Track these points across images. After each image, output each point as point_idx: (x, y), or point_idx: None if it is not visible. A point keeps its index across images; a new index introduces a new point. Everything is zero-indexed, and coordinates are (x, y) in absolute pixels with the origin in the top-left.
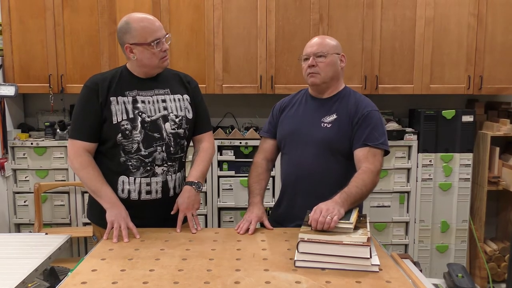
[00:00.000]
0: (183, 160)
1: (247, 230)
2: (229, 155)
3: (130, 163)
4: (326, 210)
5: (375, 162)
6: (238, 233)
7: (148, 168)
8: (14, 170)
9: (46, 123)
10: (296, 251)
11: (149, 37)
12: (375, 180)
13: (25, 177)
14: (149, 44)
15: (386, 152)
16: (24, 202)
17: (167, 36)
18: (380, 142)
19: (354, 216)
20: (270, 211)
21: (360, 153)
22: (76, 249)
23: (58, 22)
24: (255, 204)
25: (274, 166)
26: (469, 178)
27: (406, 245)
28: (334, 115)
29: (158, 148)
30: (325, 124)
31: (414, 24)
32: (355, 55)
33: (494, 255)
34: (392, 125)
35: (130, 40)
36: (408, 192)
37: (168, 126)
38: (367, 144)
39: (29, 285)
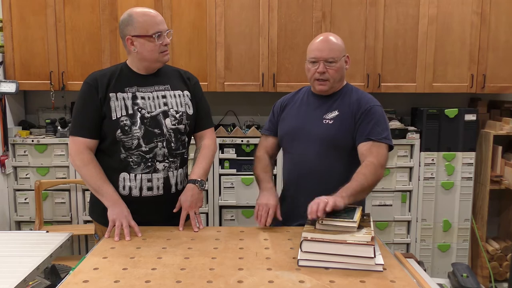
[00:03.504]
0: (185, 156)
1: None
2: (230, 153)
3: (130, 160)
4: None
5: (378, 156)
6: (259, 224)
7: (149, 164)
8: (15, 168)
9: (47, 120)
10: (300, 250)
11: (150, 29)
12: (377, 173)
13: (26, 175)
14: (150, 36)
15: (390, 148)
16: (25, 199)
17: (168, 31)
18: (383, 137)
19: (357, 215)
20: None
21: (363, 148)
22: (77, 247)
23: (59, 18)
24: (269, 189)
25: (276, 164)
26: (471, 177)
27: (408, 244)
28: (336, 111)
29: (159, 144)
30: (327, 121)
31: (417, 22)
32: (358, 53)
33: (496, 254)
34: (395, 124)
35: (132, 32)
36: (410, 191)
37: (168, 122)
38: (370, 138)
39: (30, 283)
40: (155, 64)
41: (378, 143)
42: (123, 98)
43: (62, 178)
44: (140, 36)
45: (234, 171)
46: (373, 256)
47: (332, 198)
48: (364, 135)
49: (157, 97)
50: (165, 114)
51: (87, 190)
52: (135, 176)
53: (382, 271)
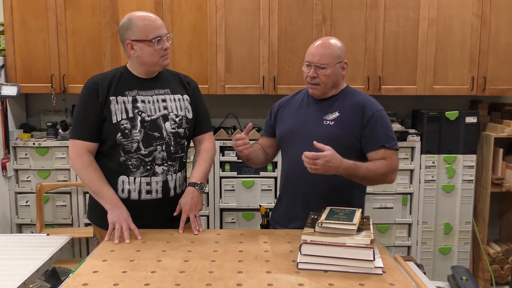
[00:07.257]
0: (183, 160)
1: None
2: (231, 156)
3: (130, 163)
4: (325, 161)
5: (392, 162)
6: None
7: (148, 167)
8: (16, 170)
9: (48, 123)
10: (299, 253)
11: (150, 34)
12: (389, 175)
13: (27, 177)
14: (150, 41)
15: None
16: (26, 202)
17: (168, 35)
18: (394, 143)
19: (357, 218)
20: (270, 212)
21: (376, 155)
22: (77, 249)
23: (60, 22)
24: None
25: (276, 166)
26: (472, 180)
27: (409, 247)
28: (337, 112)
29: (158, 147)
30: (328, 122)
31: (417, 24)
32: (358, 55)
33: (498, 257)
34: (395, 126)
35: (132, 37)
36: (411, 194)
37: (168, 126)
38: (384, 145)
39: (30, 286)
40: (155, 68)
41: (390, 150)
42: (124, 102)
43: (63, 181)
44: (139, 41)
45: (234, 173)
46: (372, 259)
47: (334, 168)
48: (376, 142)
49: (157, 100)
50: (165, 117)
51: (88, 193)
52: (134, 179)
53: (381, 274)
